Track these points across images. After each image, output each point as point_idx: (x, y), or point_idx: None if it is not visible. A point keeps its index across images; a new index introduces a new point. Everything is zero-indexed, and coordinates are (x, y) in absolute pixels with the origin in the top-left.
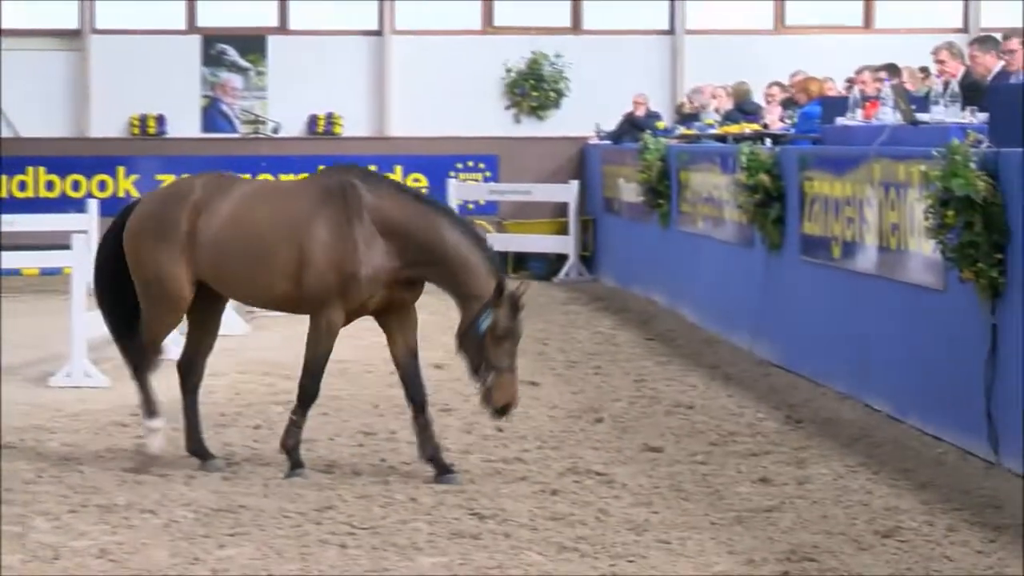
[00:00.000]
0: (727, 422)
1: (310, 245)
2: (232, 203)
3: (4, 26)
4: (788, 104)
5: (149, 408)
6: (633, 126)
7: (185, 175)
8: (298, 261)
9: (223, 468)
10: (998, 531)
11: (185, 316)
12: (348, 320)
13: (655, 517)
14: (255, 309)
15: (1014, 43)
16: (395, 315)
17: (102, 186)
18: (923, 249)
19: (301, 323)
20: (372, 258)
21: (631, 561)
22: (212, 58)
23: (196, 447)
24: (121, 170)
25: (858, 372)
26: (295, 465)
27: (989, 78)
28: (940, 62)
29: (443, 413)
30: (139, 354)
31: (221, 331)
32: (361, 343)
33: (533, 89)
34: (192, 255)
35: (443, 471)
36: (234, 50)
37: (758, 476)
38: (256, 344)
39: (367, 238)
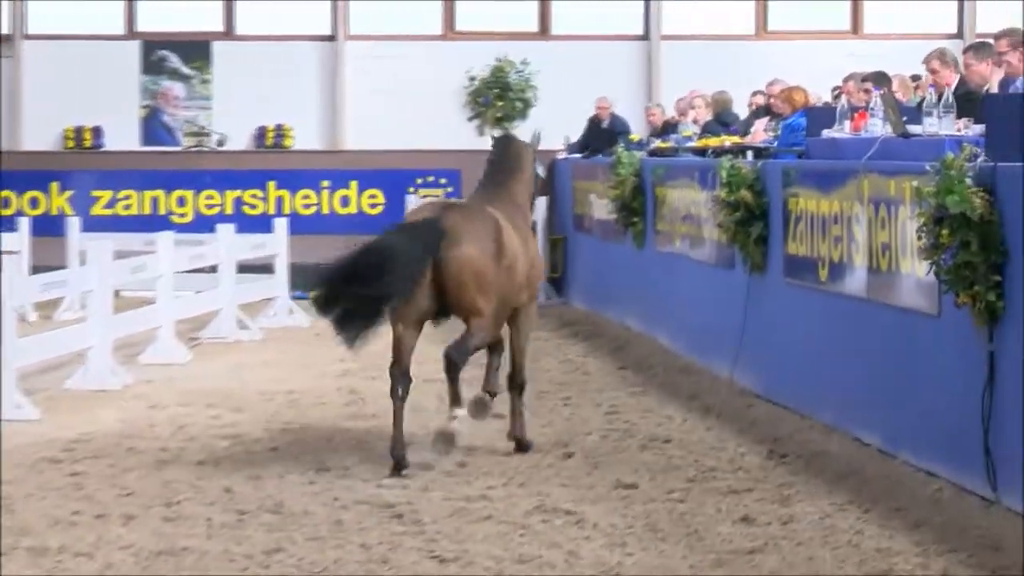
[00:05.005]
0: (706, 457)
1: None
2: None
3: None
4: (762, 113)
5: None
6: (598, 132)
7: None
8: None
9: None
10: (996, 574)
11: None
12: None
13: (629, 560)
14: (198, 336)
15: (1005, 44)
16: None
17: (34, 203)
18: (916, 271)
19: (245, 352)
20: None
21: None
22: (153, 65)
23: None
24: (55, 186)
25: (846, 403)
26: None
27: (986, 87)
28: (933, 71)
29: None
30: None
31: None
32: (310, 372)
33: (498, 99)
34: None
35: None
36: (176, 56)
37: (740, 515)
38: (199, 373)
39: None
